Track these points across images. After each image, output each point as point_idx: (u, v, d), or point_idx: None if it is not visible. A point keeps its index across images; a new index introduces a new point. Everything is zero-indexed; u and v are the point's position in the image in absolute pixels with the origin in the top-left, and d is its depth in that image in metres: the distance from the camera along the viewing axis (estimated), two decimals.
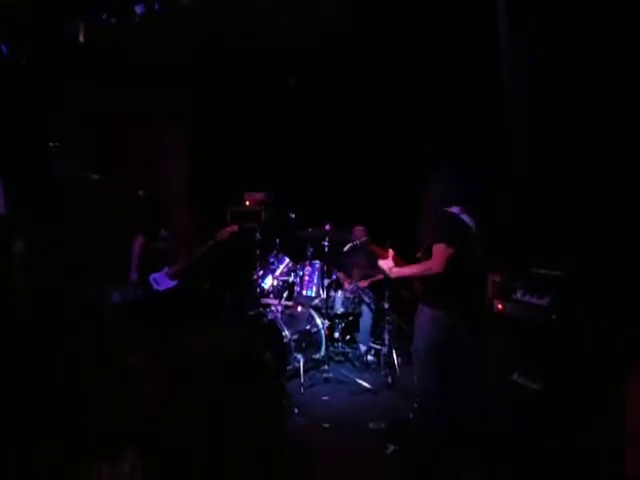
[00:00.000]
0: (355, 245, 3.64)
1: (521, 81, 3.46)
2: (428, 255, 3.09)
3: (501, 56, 3.52)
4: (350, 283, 5.29)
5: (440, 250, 2.98)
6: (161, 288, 4.50)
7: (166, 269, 4.52)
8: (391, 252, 3.26)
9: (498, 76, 3.57)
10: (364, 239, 3.53)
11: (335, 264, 5.14)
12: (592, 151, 3.10)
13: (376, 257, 3.39)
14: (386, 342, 4.51)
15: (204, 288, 5.87)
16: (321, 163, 5.88)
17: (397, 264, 3.26)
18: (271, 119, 6.25)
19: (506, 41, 3.44)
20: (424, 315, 3.15)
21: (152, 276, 4.49)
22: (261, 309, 4.75)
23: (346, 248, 3.75)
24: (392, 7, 4.29)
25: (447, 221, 3.10)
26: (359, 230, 5.25)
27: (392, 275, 3.22)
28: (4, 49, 4.70)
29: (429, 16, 4.34)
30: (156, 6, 4.31)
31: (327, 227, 4.72)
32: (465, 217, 3.12)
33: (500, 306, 3.12)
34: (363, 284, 5.22)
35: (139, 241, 4.52)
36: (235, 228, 4.60)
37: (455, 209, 3.13)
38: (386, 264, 3.21)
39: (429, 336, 3.12)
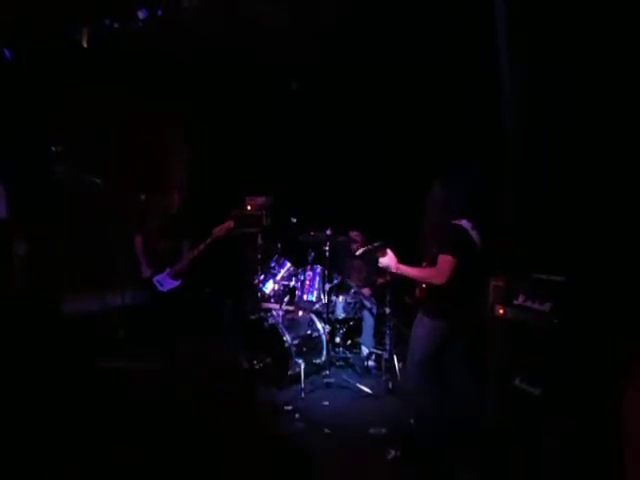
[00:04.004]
0: (369, 249, 3.52)
1: (521, 84, 3.46)
2: (433, 265, 3.08)
3: (499, 58, 3.52)
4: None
5: (445, 261, 2.96)
6: (165, 289, 4.66)
7: (168, 270, 4.68)
8: (389, 250, 3.18)
9: (498, 77, 3.57)
10: (377, 243, 3.42)
11: (336, 268, 5.13)
12: (593, 156, 3.10)
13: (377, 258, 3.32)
14: (387, 347, 4.49)
15: (205, 292, 5.89)
16: (323, 167, 5.88)
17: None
18: (272, 122, 6.26)
19: (504, 42, 3.44)
20: (422, 325, 3.14)
21: (155, 278, 4.66)
22: (262, 314, 4.75)
23: (359, 252, 3.63)
24: (393, 9, 4.30)
25: (456, 234, 3.07)
26: (356, 235, 5.24)
27: (396, 271, 3.13)
28: (7, 54, 4.72)
29: (429, 19, 4.37)
30: (159, 11, 4.34)
31: (328, 232, 4.72)
32: (474, 234, 3.09)
33: (501, 311, 3.11)
34: (366, 292, 5.20)
35: (139, 239, 4.70)
36: (231, 224, 4.72)
37: (465, 223, 3.09)
38: (390, 260, 3.12)
39: (427, 345, 3.10)
